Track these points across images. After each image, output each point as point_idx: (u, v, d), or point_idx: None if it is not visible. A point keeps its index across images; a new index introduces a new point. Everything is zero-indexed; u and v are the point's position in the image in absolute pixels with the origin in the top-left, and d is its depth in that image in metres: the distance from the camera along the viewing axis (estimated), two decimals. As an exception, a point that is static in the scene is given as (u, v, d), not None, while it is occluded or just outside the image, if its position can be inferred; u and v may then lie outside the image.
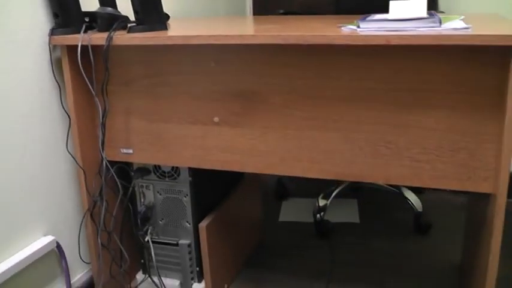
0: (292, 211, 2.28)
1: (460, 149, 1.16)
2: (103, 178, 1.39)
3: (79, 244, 1.51)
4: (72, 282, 1.49)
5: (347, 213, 2.23)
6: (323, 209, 2.05)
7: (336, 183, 2.19)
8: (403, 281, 1.72)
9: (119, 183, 1.38)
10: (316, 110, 1.24)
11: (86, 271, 1.57)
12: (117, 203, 1.42)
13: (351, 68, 1.18)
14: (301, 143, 1.27)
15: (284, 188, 2.42)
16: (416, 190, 2.13)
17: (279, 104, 1.26)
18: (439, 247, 1.94)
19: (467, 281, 1.53)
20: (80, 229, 1.51)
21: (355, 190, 2.46)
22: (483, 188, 1.17)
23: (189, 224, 1.52)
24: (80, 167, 1.38)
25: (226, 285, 1.69)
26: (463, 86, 1.12)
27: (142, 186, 1.53)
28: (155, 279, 1.57)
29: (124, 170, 1.49)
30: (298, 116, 1.25)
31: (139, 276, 1.63)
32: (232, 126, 1.32)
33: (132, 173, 1.50)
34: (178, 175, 1.48)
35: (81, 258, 1.53)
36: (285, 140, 1.28)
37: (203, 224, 1.50)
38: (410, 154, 1.19)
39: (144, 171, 1.51)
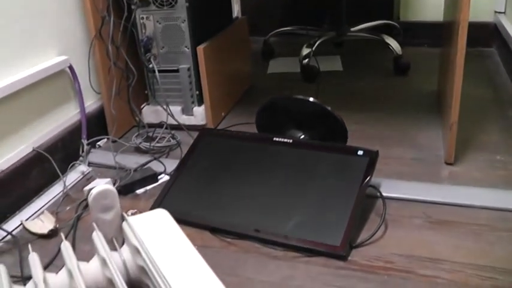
0: (280, 65, 2.44)
1: None
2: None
3: (89, 69, 1.66)
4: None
5: (331, 65, 2.39)
6: (308, 56, 2.21)
7: (318, 36, 2.34)
8: (384, 105, 1.90)
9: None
10: None
11: (96, 100, 1.73)
12: (123, 20, 1.56)
13: None
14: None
15: (270, 48, 2.56)
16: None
17: None
18: (417, 82, 2.12)
19: (441, 103, 1.71)
20: (90, 53, 1.64)
21: (338, 45, 2.62)
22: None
23: (188, 48, 1.67)
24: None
25: (223, 113, 1.86)
26: None
27: (142, 18, 1.67)
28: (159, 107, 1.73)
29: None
30: None
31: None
32: None
33: (133, 6, 1.63)
34: (176, 2, 1.62)
35: (91, 86, 1.68)
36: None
37: (201, 47, 1.66)
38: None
39: (144, 2, 1.64)
